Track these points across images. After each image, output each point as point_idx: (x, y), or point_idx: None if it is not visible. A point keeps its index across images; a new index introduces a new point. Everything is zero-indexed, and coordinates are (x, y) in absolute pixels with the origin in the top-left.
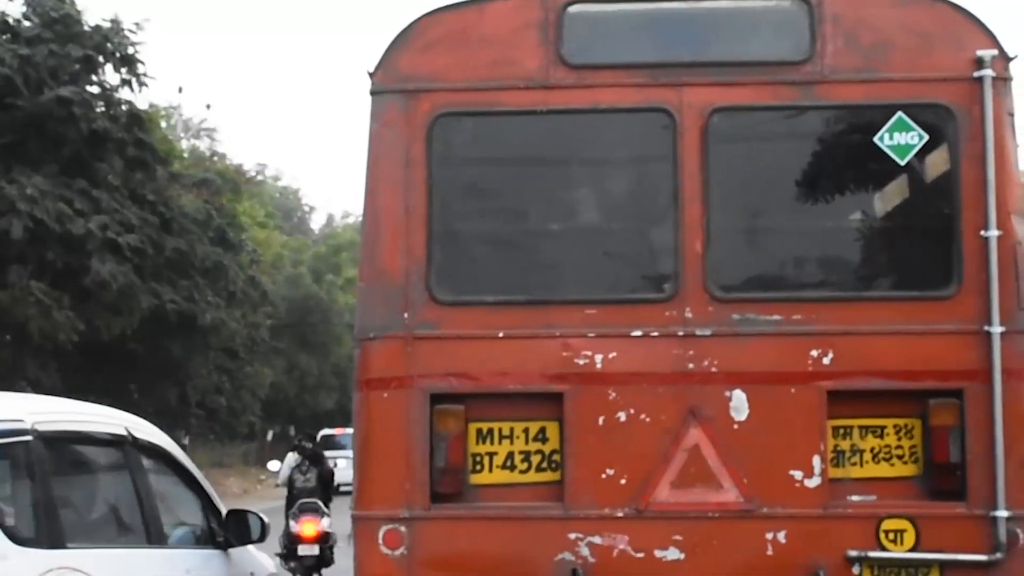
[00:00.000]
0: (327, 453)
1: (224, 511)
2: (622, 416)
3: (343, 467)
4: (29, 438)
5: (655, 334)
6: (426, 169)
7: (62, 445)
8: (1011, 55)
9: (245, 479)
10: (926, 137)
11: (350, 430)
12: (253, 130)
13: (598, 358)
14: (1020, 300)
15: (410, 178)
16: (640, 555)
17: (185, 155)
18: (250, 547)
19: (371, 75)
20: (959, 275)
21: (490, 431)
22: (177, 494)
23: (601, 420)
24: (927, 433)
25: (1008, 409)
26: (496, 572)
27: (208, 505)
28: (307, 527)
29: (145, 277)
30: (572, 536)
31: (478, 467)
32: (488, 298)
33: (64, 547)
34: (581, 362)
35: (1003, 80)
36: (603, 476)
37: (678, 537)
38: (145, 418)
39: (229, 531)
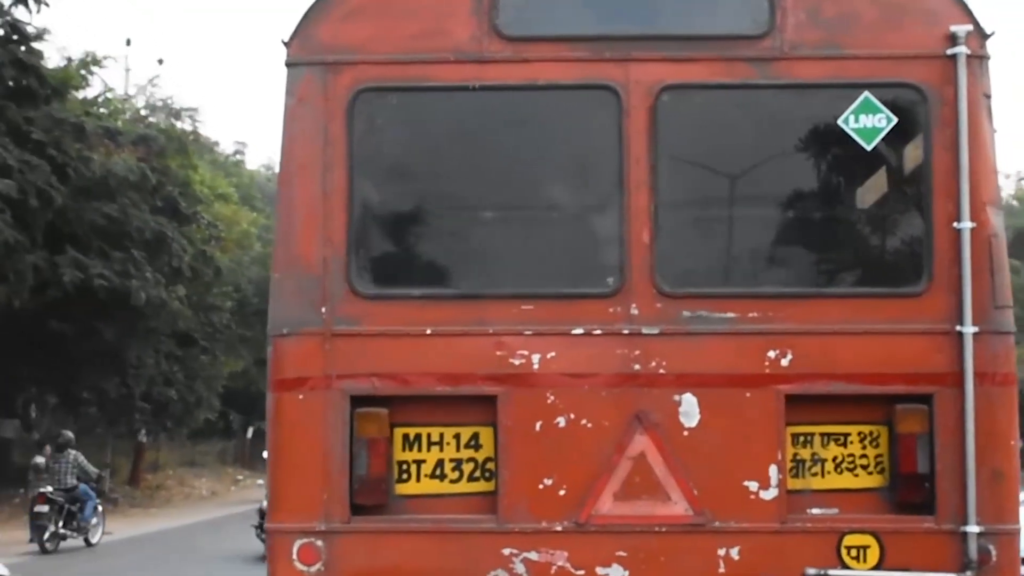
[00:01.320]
0: None
1: None
2: (561, 421)
3: None
4: None
5: (598, 332)
6: (346, 149)
7: None
8: (988, 31)
9: (219, 480)
10: (895, 120)
11: None
12: (248, 119)
13: (535, 358)
14: (995, 298)
15: (328, 158)
16: (580, 573)
17: (126, 115)
18: None
19: (286, 45)
20: (929, 271)
21: (417, 437)
22: None
23: (538, 426)
24: (893, 441)
25: (980, 416)
26: None
27: None
28: None
29: (36, 237)
30: (506, 552)
31: (404, 476)
32: (415, 291)
33: None
34: (517, 362)
35: (979, 59)
36: (540, 487)
37: (622, 553)
38: (85, 411)
39: None
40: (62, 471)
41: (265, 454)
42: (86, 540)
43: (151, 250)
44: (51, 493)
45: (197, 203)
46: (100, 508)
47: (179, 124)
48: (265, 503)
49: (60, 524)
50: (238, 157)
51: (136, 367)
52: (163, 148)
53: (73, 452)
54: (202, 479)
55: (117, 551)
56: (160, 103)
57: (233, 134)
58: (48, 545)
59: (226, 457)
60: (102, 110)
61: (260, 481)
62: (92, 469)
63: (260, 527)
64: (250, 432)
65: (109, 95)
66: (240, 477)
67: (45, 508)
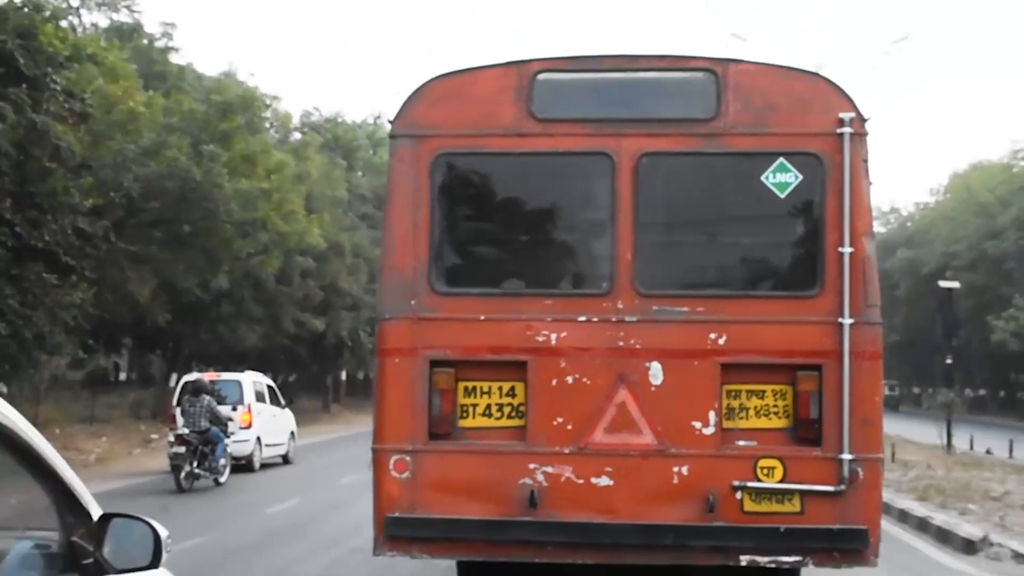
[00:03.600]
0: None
1: (96, 515)
2: (569, 379)
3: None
4: None
5: (595, 319)
6: (429, 194)
7: None
8: (866, 116)
9: (123, 440)
10: (801, 177)
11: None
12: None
13: (553, 336)
14: (866, 300)
15: (417, 201)
16: (581, 481)
17: None
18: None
19: (390, 123)
20: (821, 280)
21: (473, 388)
22: (18, 488)
23: (554, 382)
24: (795, 396)
25: (853, 380)
26: (475, 492)
27: (69, 505)
28: None
29: None
30: (531, 466)
31: (464, 414)
32: (473, 291)
33: None
34: (540, 339)
35: (859, 135)
36: (555, 423)
37: (609, 469)
38: None
39: (102, 548)
40: (197, 415)
41: None
42: (215, 480)
43: None
44: (187, 435)
45: (58, 68)
46: (229, 450)
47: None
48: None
49: (195, 464)
50: (165, 43)
51: None
52: None
53: (207, 397)
54: (101, 439)
55: None
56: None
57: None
58: (184, 484)
59: (141, 411)
60: None
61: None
62: (223, 414)
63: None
64: (174, 379)
65: None
66: (155, 436)
67: (182, 449)
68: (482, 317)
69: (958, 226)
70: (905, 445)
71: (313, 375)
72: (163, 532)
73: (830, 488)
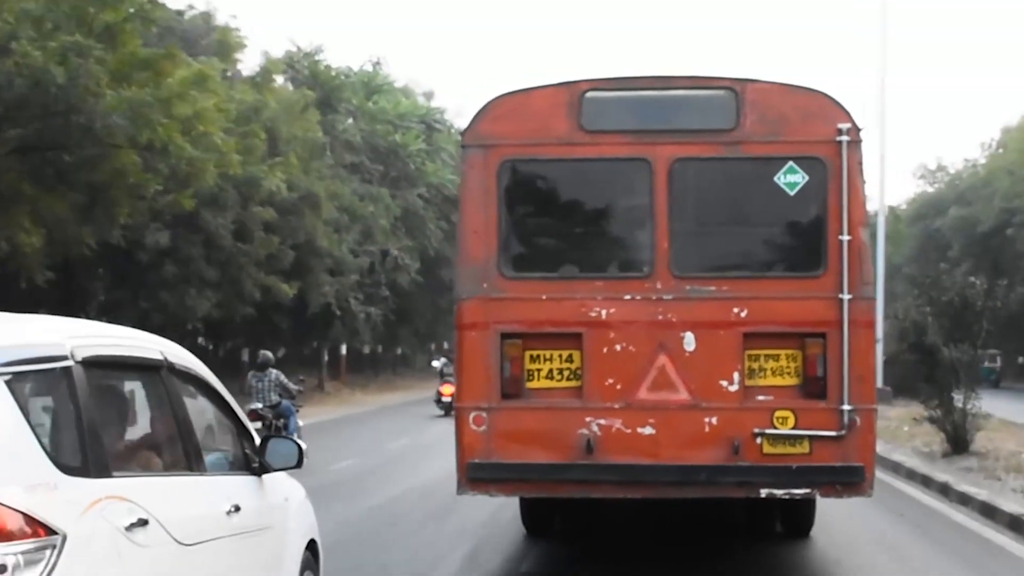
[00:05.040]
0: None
1: (257, 438)
2: (618, 347)
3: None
4: (70, 363)
5: (638, 298)
6: (496, 194)
7: (102, 371)
8: (860, 126)
9: None
10: (808, 177)
11: None
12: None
13: (604, 312)
14: (862, 279)
15: (486, 201)
16: (628, 431)
17: None
18: (281, 474)
19: (462, 135)
20: (825, 263)
21: (539, 355)
22: (211, 420)
23: (605, 350)
24: (804, 359)
25: (851, 345)
26: (541, 441)
27: (242, 431)
28: (446, 388)
29: None
30: (587, 419)
31: (530, 377)
32: (536, 275)
33: (110, 476)
34: (593, 315)
35: (855, 142)
36: (606, 383)
37: (652, 420)
38: None
39: (264, 457)
40: (265, 388)
41: None
42: None
43: None
44: (261, 410)
45: None
46: (300, 422)
47: None
48: (441, 388)
49: None
50: None
51: None
52: None
53: (274, 371)
54: None
55: None
56: None
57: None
58: None
59: None
60: None
61: None
62: (292, 385)
63: (438, 401)
64: None
65: None
66: None
67: (258, 424)
68: (544, 297)
69: (1017, 181)
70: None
71: (313, 350)
72: (304, 445)
73: (833, 433)
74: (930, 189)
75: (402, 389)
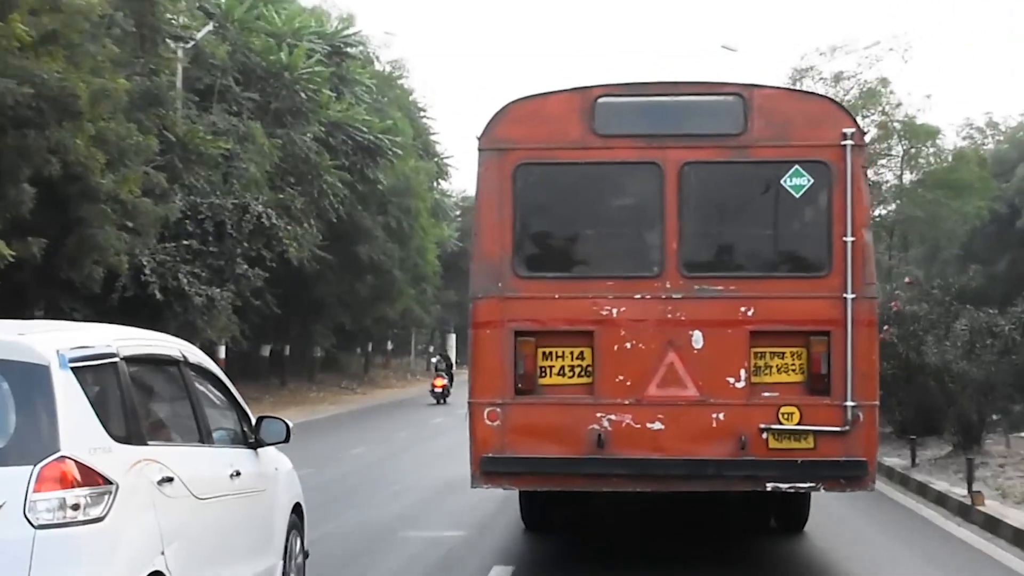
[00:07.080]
0: None
1: (254, 418)
2: (628, 345)
3: None
4: (117, 359)
5: (648, 297)
6: (511, 196)
7: (138, 365)
8: (864, 131)
9: None
10: (813, 180)
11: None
12: None
13: (614, 311)
14: (865, 279)
15: (501, 203)
16: (638, 426)
17: None
18: (272, 448)
19: (478, 139)
20: (830, 263)
21: (551, 352)
22: (217, 403)
23: (616, 347)
24: (809, 356)
25: (855, 343)
26: (553, 435)
27: (241, 413)
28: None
29: None
30: (598, 415)
31: (543, 374)
32: (548, 275)
33: (146, 444)
34: (604, 313)
35: (859, 146)
36: (616, 380)
37: (661, 415)
38: None
39: (258, 434)
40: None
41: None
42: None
43: None
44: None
45: None
46: None
47: None
48: (435, 380)
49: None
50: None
51: None
52: None
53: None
54: None
55: None
56: None
57: None
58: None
59: None
60: None
61: None
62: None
63: (432, 392)
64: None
65: None
66: None
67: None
68: (556, 296)
69: None
70: None
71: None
72: (290, 423)
73: (837, 428)
74: (991, 146)
75: (312, 403)
